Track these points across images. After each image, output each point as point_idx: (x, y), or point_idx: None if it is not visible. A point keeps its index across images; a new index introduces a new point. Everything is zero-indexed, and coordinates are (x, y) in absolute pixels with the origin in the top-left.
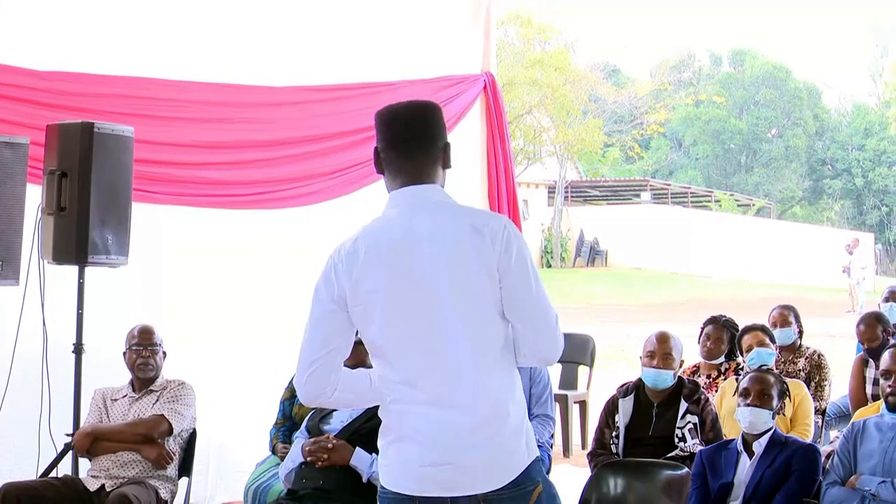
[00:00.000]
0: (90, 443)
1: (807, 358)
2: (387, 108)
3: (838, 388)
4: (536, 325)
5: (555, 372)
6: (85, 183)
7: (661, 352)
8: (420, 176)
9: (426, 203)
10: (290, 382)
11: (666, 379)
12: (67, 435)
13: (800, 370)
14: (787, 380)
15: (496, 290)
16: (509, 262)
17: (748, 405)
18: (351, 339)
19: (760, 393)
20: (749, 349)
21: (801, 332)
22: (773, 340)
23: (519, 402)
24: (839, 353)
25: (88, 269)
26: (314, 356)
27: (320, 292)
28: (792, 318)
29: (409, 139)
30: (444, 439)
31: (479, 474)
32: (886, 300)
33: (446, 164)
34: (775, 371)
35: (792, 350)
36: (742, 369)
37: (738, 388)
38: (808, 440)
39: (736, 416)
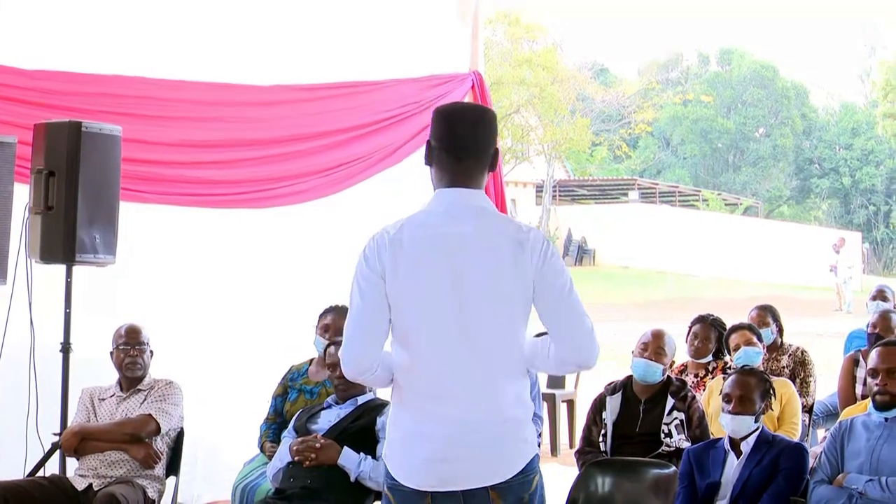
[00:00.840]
0: (78, 442)
1: (790, 355)
2: (447, 107)
3: (826, 387)
4: (573, 324)
5: None
6: (72, 182)
7: (654, 346)
8: (468, 180)
9: (471, 207)
10: (283, 379)
11: (655, 372)
12: (55, 434)
13: (783, 367)
14: (775, 379)
15: (527, 301)
16: (547, 269)
17: (729, 412)
18: (389, 318)
19: (741, 399)
20: (736, 348)
21: (780, 331)
22: (760, 339)
23: (529, 403)
24: (826, 351)
25: (76, 269)
26: (364, 331)
27: (365, 271)
28: (769, 319)
29: (464, 145)
30: (458, 436)
31: (490, 469)
32: (874, 298)
33: (493, 168)
34: (759, 370)
35: (774, 348)
36: (730, 368)
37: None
38: (796, 439)
39: (720, 421)
